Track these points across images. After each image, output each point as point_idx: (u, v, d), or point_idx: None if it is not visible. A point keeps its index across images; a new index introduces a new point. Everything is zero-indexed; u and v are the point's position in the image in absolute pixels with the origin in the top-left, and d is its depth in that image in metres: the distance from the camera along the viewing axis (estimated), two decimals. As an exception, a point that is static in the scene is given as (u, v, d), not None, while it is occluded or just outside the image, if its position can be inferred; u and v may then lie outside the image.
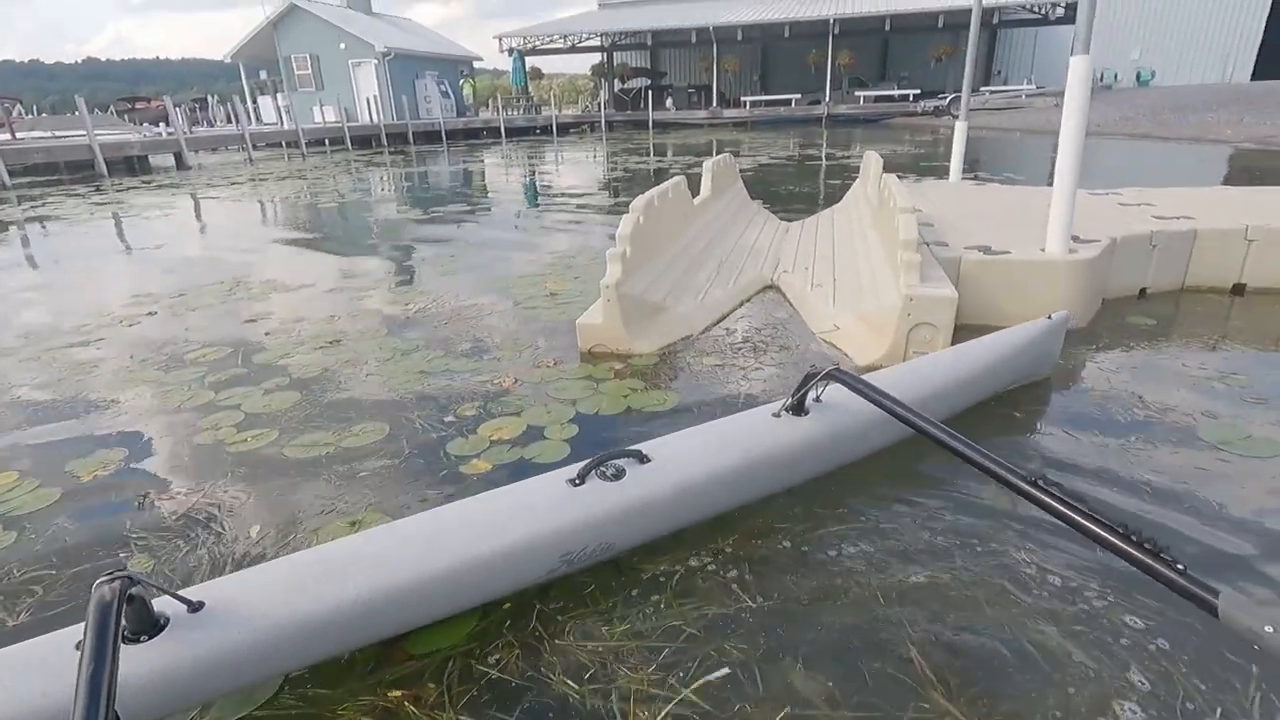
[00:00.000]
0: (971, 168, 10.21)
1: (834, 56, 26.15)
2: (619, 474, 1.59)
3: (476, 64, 34.44)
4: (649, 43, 31.93)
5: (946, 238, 3.60)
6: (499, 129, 25.71)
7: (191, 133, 20.00)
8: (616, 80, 32.42)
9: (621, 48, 32.89)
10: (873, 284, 3.22)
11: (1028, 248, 3.27)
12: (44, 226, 7.69)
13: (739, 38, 27.27)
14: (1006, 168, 10.32)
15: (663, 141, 20.06)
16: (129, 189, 11.47)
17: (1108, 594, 1.49)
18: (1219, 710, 1.21)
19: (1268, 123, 12.95)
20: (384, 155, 18.42)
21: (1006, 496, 1.80)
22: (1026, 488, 1.24)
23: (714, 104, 28.06)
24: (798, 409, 1.86)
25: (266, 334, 3.54)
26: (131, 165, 15.59)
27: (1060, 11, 25.75)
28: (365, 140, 21.99)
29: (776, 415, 1.86)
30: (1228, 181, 8.66)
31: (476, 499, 1.53)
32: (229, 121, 23.60)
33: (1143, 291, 3.62)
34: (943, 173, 8.86)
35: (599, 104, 29.48)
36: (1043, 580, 1.54)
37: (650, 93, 28.82)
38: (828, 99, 26.17)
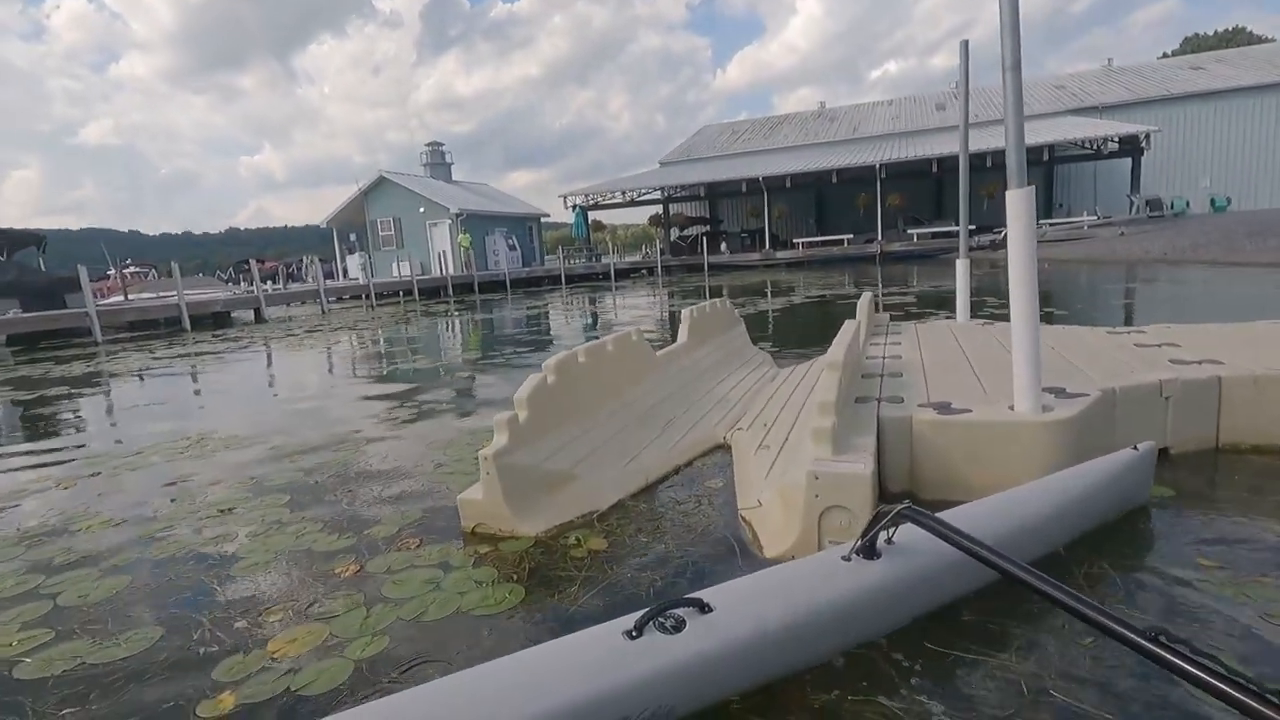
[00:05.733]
0: (1044, 303, 9.50)
1: (884, 198, 26.71)
2: (679, 625, 1.43)
3: (545, 219, 37.29)
4: (703, 194, 33.74)
5: (909, 391, 3.13)
6: (559, 276, 27.08)
7: (287, 288, 22.15)
8: (674, 228, 34.10)
9: (678, 199, 34.87)
10: (798, 449, 2.75)
11: (996, 404, 2.76)
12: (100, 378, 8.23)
13: (787, 185, 28.40)
14: (1077, 300, 9.62)
15: (717, 283, 20.46)
16: (199, 342, 12.38)
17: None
18: None
19: (1359, 244, 11.85)
20: (448, 304, 19.51)
21: (1109, 649, 1.53)
22: (1147, 645, 1.11)
23: (766, 246, 28.78)
24: (869, 551, 1.70)
25: (172, 501, 3.37)
26: (217, 319, 17.08)
27: (1113, 146, 25.76)
28: (433, 291, 23.54)
29: (847, 559, 1.71)
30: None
31: (532, 652, 1.41)
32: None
33: (1164, 451, 2.98)
34: (986, 307, 8.40)
35: (657, 250, 30.93)
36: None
37: (706, 238, 29.98)
38: (880, 237, 26.40)
